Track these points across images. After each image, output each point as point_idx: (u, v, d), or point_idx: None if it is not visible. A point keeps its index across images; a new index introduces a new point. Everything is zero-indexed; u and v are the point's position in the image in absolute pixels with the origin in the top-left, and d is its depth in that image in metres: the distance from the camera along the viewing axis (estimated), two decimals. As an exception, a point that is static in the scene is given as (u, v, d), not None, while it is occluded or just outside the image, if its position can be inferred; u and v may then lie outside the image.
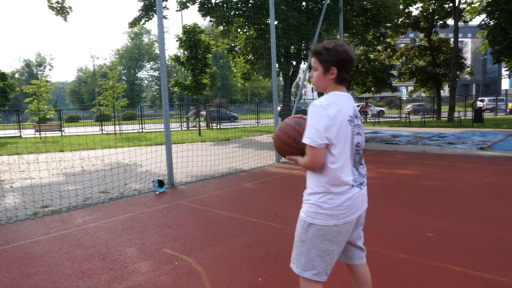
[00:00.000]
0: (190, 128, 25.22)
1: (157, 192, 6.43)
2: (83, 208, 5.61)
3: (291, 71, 17.40)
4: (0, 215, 5.39)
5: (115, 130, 23.29)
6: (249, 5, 15.37)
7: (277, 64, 11.70)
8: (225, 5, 15.87)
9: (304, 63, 18.46)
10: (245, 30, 17.52)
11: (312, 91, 31.10)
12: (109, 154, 11.33)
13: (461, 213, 4.70)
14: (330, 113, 1.84)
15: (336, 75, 1.93)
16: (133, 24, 16.73)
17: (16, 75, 67.41)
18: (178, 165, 8.65)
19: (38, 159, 11.53)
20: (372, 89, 28.04)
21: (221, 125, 27.73)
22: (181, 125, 27.25)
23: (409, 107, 37.48)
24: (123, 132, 23.76)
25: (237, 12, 15.78)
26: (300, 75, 46.76)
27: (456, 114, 22.39)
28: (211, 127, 25.62)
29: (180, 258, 3.58)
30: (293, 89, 53.04)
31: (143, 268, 3.40)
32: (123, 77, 64.58)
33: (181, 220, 4.81)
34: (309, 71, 2.04)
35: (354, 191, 1.95)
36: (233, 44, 18.53)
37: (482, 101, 35.16)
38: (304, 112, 32.19)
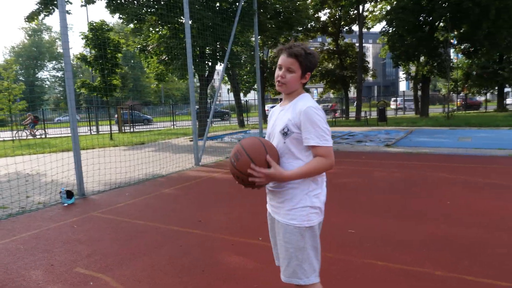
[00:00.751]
0: (25, 138, 20.89)
1: (66, 204, 5.83)
2: (-26, 228, 4.85)
3: (207, 72, 17.24)
4: None
5: (13, 137, 20.88)
6: (162, 2, 14.86)
7: (192, 65, 11.45)
8: (135, 1, 15.14)
9: (220, 64, 18.41)
10: (158, 29, 16.90)
11: (228, 93, 31.14)
12: (7, 164, 10.08)
13: (378, 208, 4.99)
14: (322, 111, 1.92)
15: (307, 80, 2.00)
16: (30, 18, 15.12)
17: None
18: (89, 173, 7.97)
19: None
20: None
21: (134, 128, 26.48)
22: (90, 129, 25.43)
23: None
24: (22, 138, 21.38)
25: (149, 10, 15.15)
26: (216, 76, 46.77)
27: (362, 114, 24.14)
28: (123, 131, 24.31)
29: (96, 277, 3.23)
30: (208, 91, 52.89)
31: (51, 293, 3.00)
32: (21, 78, 58.43)
33: (95, 234, 4.39)
34: (280, 69, 1.97)
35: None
36: (145, 44, 17.76)
37: (395, 101, 38.61)
38: (219, 113, 31.94)
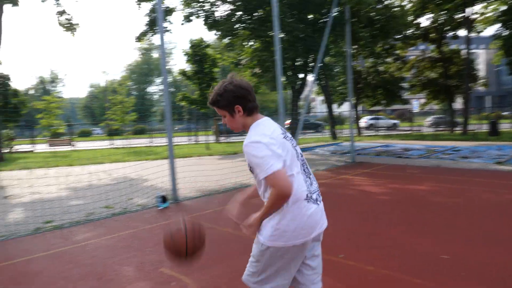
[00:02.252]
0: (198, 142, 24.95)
1: (160, 208, 6.29)
2: (85, 224, 5.50)
3: (299, 84, 17.32)
4: (4, 230, 5.31)
5: (123, 144, 23.39)
6: (254, 17, 15.40)
7: (283, 77, 11.61)
8: (229, 18, 15.92)
9: (312, 76, 18.40)
10: (250, 43, 17.54)
11: (322, 103, 30.82)
12: (116, 168, 11.26)
13: (479, 234, 4.45)
14: (264, 137, 1.85)
15: (243, 110, 1.95)
16: (139, 38, 16.86)
17: (32, 91, 68.67)
18: (183, 180, 8.52)
19: (47, 174, 11.52)
20: (382, 102, 27.74)
21: (229, 139, 27.67)
22: (189, 139, 27.27)
23: (429, 119, 36.63)
24: (132, 146, 23.83)
25: (242, 25, 15.80)
26: (308, 88, 46.80)
27: (471, 127, 21.96)
28: (219, 141, 25.56)
29: (178, 278, 3.41)
30: (302, 102, 53.07)
31: (138, 289, 3.24)
32: (134, 92, 65.29)
33: (183, 237, 4.64)
34: (224, 118, 2.05)
35: (312, 207, 1.91)
36: (239, 58, 18.57)
37: None
38: (313, 125, 31.55)
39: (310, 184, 1.98)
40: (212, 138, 25.86)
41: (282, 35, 12.82)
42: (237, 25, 15.74)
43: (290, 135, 2.04)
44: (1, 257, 4.23)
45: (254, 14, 15.65)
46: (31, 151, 24.64)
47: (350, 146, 11.82)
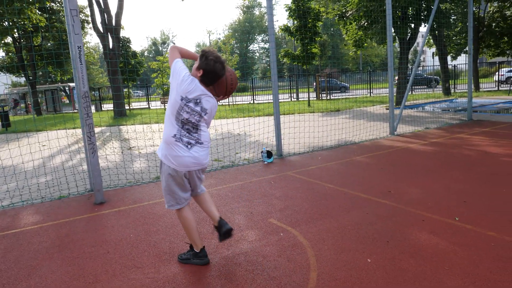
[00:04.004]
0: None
1: (266, 162, 6.51)
2: (198, 175, 5.96)
3: (409, 35, 15.87)
4: (130, 177, 6.05)
5: (228, 102, 24.42)
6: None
7: (392, 28, 10.71)
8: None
9: (424, 26, 16.65)
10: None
11: (433, 57, 27.82)
12: (221, 124, 11.87)
13: None
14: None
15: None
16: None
17: (145, 53, 74.96)
18: (286, 136, 8.64)
19: (161, 128, 12.68)
20: (508, 51, 24.07)
21: (331, 96, 27.02)
22: (290, 96, 27.32)
23: None
24: (236, 103, 24.76)
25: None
26: (419, 39, 42.72)
27: None
28: (321, 98, 25.14)
29: (286, 229, 3.54)
30: (410, 56, 48.79)
31: (249, 236, 3.45)
32: (236, 51, 66.89)
33: (288, 191, 4.78)
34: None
35: (180, 150, 2.72)
36: (344, 10, 17.56)
37: None
38: (424, 80, 28.81)
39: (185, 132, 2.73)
40: (313, 95, 25.53)
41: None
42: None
43: (198, 108, 2.73)
44: (131, 200, 4.85)
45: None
46: (147, 108, 27.25)
47: (467, 102, 10.64)
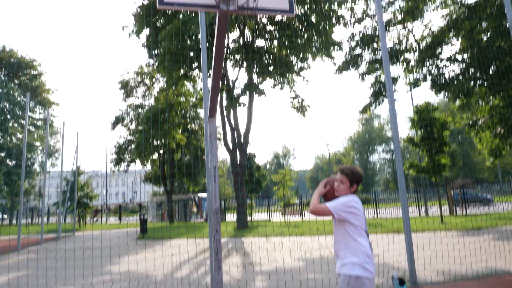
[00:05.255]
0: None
1: (398, 291, 5.73)
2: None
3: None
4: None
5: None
6: (491, 71, 13.60)
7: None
8: (460, 77, 14.57)
9: None
10: (488, 100, 15.41)
11: None
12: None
13: None
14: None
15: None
16: (364, 110, 17.34)
17: (267, 166, 79.68)
18: (420, 258, 7.67)
19: (282, 242, 12.55)
20: None
21: (467, 210, 24.05)
22: (419, 210, 25.18)
23: None
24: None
25: (477, 82, 14.17)
26: None
27: None
28: (455, 213, 22.54)
29: None
30: None
31: None
32: (356, 162, 66.67)
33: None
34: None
35: None
36: (474, 118, 16.48)
37: None
38: None
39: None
40: (445, 210, 23.08)
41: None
42: (471, 83, 14.26)
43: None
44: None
45: (490, 68, 13.90)
46: (268, 220, 27.79)
47: None
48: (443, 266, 7.29)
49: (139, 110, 34.75)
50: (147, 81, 34.82)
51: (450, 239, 10.83)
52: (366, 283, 2.83)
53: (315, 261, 8.73)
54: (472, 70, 14.61)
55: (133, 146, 31.91)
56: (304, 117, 21.24)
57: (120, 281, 7.60)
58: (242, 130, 21.02)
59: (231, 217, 31.89)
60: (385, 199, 35.31)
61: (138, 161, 31.41)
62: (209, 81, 4.83)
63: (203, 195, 33.97)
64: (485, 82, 14.31)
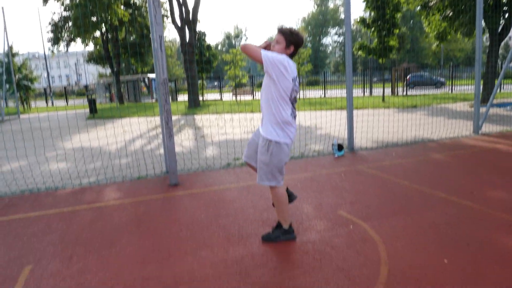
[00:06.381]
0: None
1: (336, 156, 6.37)
2: (267, 165, 6.00)
3: (501, 26, 14.47)
4: (203, 163, 6.29)
5: (299, 95, 24.28)
6: None
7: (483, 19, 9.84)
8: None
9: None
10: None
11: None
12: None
13: None
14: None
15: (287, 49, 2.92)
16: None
17: (219, 47, 77.19)
18: (359, 130, 8.38)
19: (233, 118, 12.99)
20: None
21: (407, 92, 25.62)
22: (363, 91, 26.43)
23: None
24: (307, 97, 24.55)
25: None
26: (513, 32, 38.65)
27: None
28: (396, 93, 23.98)
29: (356, 223, 3.44)
30: (501, 51, 44.41)
31: (318, 226, 3.40)
32: (308, 44, 66.19)
33: (360, 185, 4.63)
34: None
35: None
36: (427, 0, 16.48)
37: None
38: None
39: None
40: (387, 91, 24.42)
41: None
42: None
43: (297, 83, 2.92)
44: (202, 184, 5.04)
45: None
46: (220, 99, 28.07)
47: None
48: (378, 136, 8.06)
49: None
50: None
51: (387, 116, 11.75)
52: (285, 149, 2.91)
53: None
54: None
55: (70, 23, 28.94)
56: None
57: (74, 155, 7.72)
58: (191, 6, 19.67)
59: (182, 98, 31.79)
60: (334, 81, 36.40)
61: (79, 40, 28.97)
62: None
63: (153, 75, 33.00)
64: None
